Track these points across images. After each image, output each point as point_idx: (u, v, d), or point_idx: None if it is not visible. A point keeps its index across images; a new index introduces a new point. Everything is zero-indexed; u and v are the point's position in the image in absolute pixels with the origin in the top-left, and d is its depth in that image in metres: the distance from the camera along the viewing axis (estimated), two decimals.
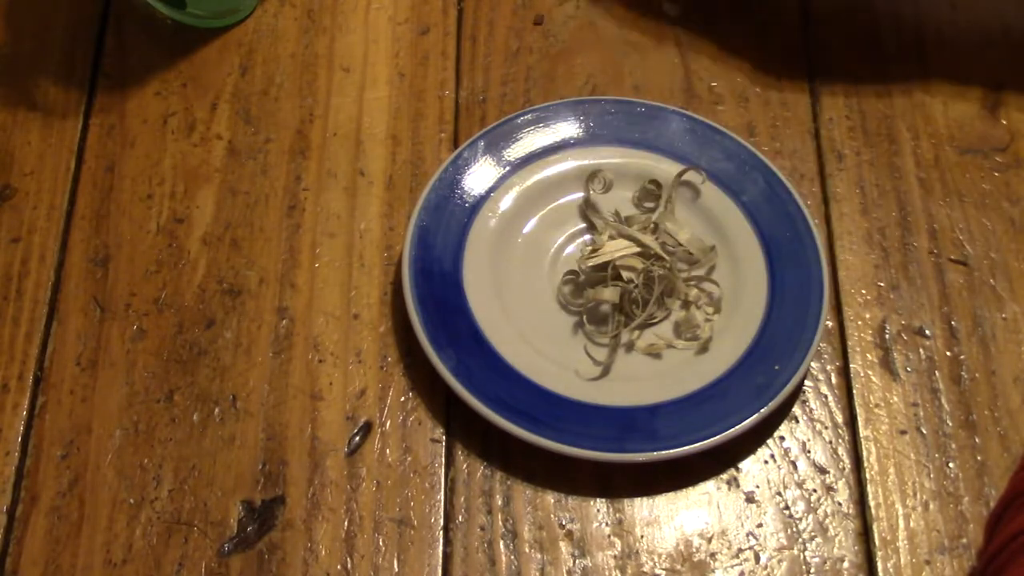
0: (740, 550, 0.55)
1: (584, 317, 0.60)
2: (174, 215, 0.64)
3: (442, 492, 0.56)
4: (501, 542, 0.55)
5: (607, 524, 0.56)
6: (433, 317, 0.58)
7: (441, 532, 0.55)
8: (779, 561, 0.55)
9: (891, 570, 0.54)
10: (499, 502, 0.56)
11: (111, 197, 0.65)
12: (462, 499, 0.56)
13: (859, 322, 0.61)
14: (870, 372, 0.60)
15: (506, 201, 0.63)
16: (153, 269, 0.63)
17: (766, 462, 0.57)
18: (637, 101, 0.66)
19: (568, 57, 0.70)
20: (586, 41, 0.71)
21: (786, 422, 0.58)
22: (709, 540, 0.55)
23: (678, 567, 0.55)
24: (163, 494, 0.56)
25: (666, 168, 0.64)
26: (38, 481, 0.57)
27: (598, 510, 0.56)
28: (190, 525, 0.55)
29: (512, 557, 0.55)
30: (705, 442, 0.55)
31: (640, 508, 0.56)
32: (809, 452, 0.58)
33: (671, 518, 0.56)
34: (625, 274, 0.60)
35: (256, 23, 0.71)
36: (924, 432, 0.58)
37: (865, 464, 0.57)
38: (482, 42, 0.70)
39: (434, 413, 0.58)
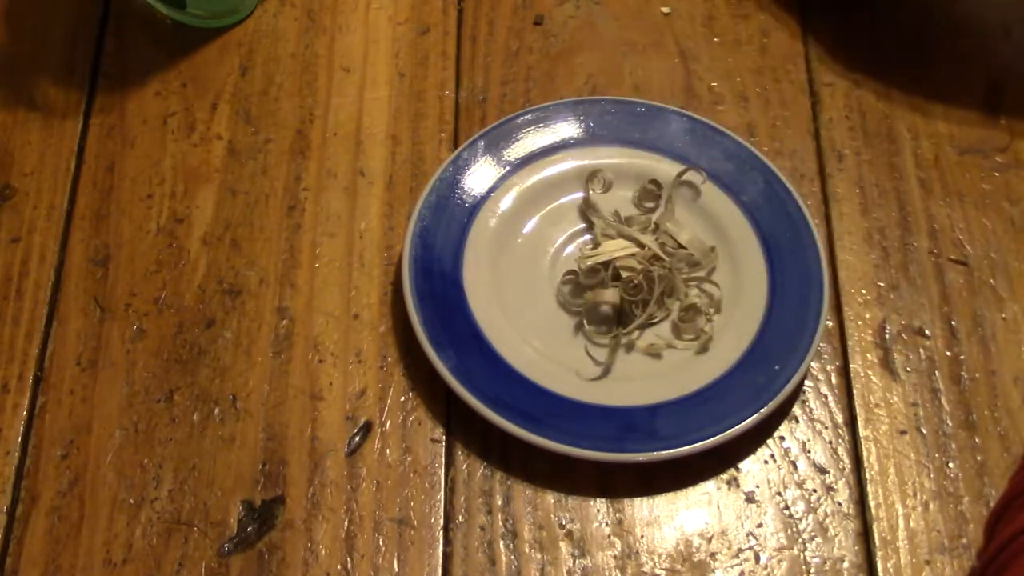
0: (740, 550, 0.55)
1: (584, 317, 0.60)
2: (174, 215, 0.64)
3: (442, 492, 0.56)
4: (501, 542, 0.55)
5: (607, 524, 0.56)
6: (433, 317, 0.58)
7: (441, 532, 0.55)
8: (779, 561, 0.55)
9: (891, 570, 0.54)
10: (499, 502, 0.56)
11: (111, 197, 0.65)
12: (462, 499, 0.56)
13: (859, 322, 0.61)
14: (870, 372, 0.60)
15: (506, 201, 0.63)
16: (153, 269, 0.63)
17: (766, 462, 0.57)
18: (637, 101, 0.66)
19: (568, 57, 0.70)
20: (586, 41, 0.71)
21: (786, 422, 0.58)
22: (709, 540, 0.55)
23: (678, 567, 0.55)
24: (163, 494, 0.56)
25: (666, 168, 0.64)
26: (38, 481, 0.57)
27: (598, 510, 0.56)
28: (190, 525, 0.55)
29: (512, 557, 0.55)
30: (705, 442, 0.55)
31: (640, 508, 0.56)
32: (809, 452, 0.58)
33: (671, 518, 0.56)
34: (625, 274, 0.60)
35: (256, 23, 0.71)
36: (924, 432, 0.58)
37: (865, 464, 0.57)
38: (482, 42, 0.70)
39: (434, 413, 0.58)
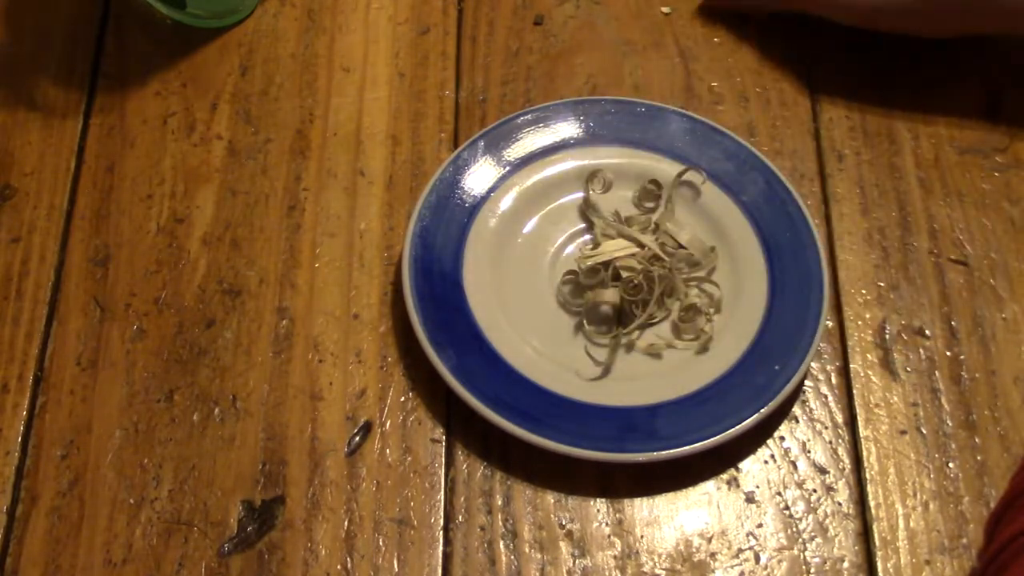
0: (740, 550, 0.55)
1: (584, 317, 0.60)
2: (174, 215, 0.64)
3: (442, 492, 0.56)
4: (501, 542, 0.55)
5: (607, 524, 0.56)
6: (433, 317, 0.58)
7: (441, 532, 0.55)
8: (779, 561, 0.55)
9: (891, 570, 0.54)
10: (499, 502, 0.56)
11: (111, 197, 0.65)
12: (462, 499, 0.56)
13: (859, 322, 0.61)
14: (870, 372, 0.60)
15: (506, 201, 0.63)
16: (153, 269, 0.63)
17: (766, 462, 0.57)
18: (637, 101, 0.66)
19: (568, 57, 0.70)
20: (586, 41, 0.71)
21: (786, 422, 0.58)
22: (709, 540, 0.55)
23: (678, 567, 0.55)
24: (163, 494, 0.56)
25: (666, 168, 0.64)
26: (38, 481, 0.57)
27: (598, 510, 0.56)
28: (190, 525, 0.55)
29: (512, 557, 0.55)
30: (705, 442, 0.55)
31: (640, 508, 0.56)
32: (809, 452, 0.58)
33: (671, 518, 0.56)
34: (625, 274, 0.60)
35: (256, 23, 0.71)
36: (924, 432, 0.58)
37: (865, 464, 0.57)
38: (482, 42, 0.70)
39: (434, 413, 0.58)
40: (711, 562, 0.55)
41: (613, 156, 0.64)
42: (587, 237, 0.63)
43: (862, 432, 0.58)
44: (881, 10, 0.65)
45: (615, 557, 0.55)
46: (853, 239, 0.64)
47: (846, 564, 0.55)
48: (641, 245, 0.61)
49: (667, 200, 0.63)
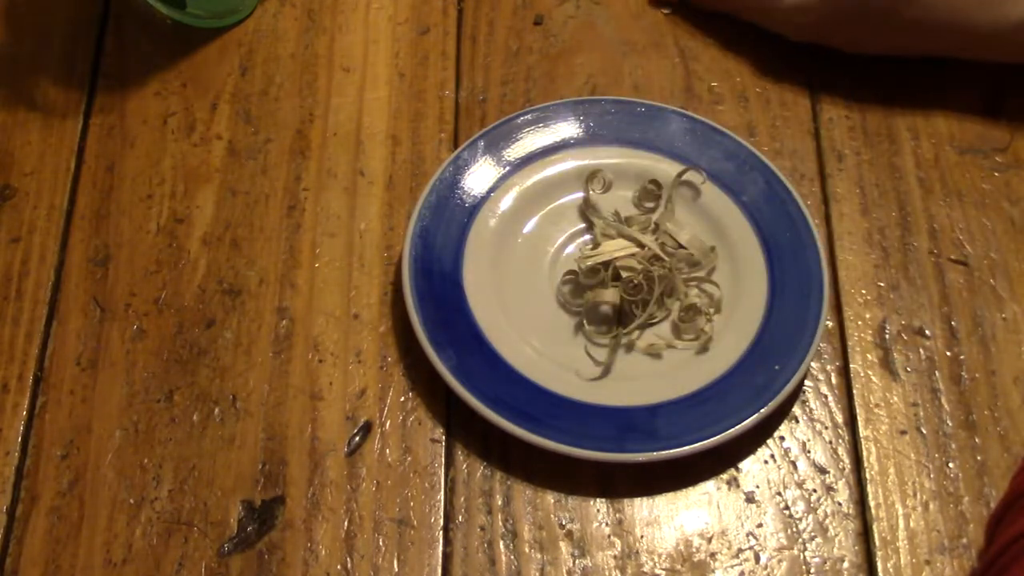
0: (740, 550, 0.55)
1: (584, 317, 0.60)
2: (174, 215, 0.64)
3: (442, 492, 0.56)
4: (501, 542, 0.55)
5: (607, 524, 0.56)
6: (433, 317, 0.58)
7: (441, 532, 0.55)
8: (779, 561, 0.55)
9: (891, 570, 0.54)
10: (499, 502, 0.56)
11: (111, 197, 0.65)
12: (462, 499, 0.56)
13: (859, 322, 0.61)
14: (870, 372, 0.60)
15: (506, 201, 0.63)
16: (153, 269, 0.63)
17: (766, 462, 0.57)
18: (637, 101, 0.66)
19: (568, 57, 0.70)
20: (586, 41, 0.71)
21: (786, 422, 0.58)
22: (709, 540, 0.55)
23: (678, 567, 0.55)
24: (163, 494, 0.56)
25: (666, 168, 0.64)
26: (38, 481, 0.57)
27: (598, 510, 0.56)
28: (190, 525, 0.55)
29: (512, 557, 0.55)
30: (705, 442, 0.55)
31: (640, 508, 0.56)
32: (809, 452, 0.58)
33: (671, 518, 0.56)
34: (625, 274, 0.60)
35: (256, 23, 0.71)
36: (924, 432, 0.58)
37: (865, 464, 0.57)
38: (482, 42, 0.70)
39: (434, 413, 0.58)
40: (711, 562, 0.55)
41: (613, 156, 0.64)
42: (587, 237, 0.63)
43: (862, 432, 0.58)
44: (803, 26, 0.67)
45: (615, 557, 0.55)
46: (853, 239, 0.64)
47: (846, 564, 0.55)
48: (641, 245, 0.61)
49: (667, 200, 0.63)
